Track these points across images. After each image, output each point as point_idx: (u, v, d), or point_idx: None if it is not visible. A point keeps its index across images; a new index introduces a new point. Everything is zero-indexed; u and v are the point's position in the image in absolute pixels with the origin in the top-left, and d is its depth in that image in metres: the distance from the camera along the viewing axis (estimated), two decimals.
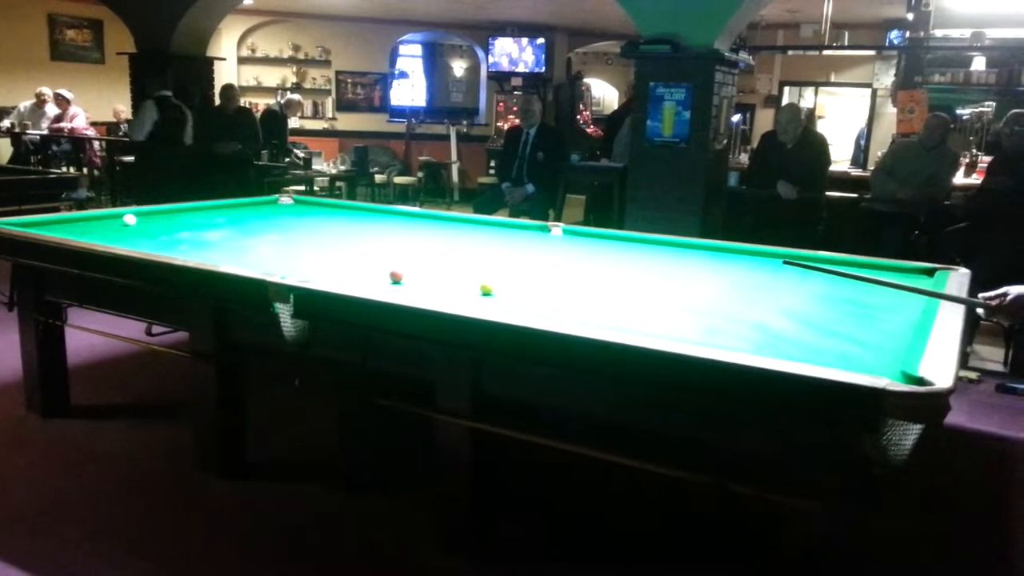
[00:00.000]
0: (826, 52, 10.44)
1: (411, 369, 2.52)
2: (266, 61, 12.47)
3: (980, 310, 2.48)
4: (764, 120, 12.15)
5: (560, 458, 2.32)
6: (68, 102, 9.66)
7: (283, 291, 2.44)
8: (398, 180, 11.48)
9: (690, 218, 5.41)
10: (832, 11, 8.74)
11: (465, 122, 12.78)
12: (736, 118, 8.11)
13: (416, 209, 5.13)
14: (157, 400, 3.74)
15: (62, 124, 9.59)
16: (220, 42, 11.53)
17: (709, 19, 5.25)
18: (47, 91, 9.73)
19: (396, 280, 2.67)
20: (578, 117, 12.84)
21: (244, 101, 9.48)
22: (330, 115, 12.66)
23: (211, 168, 7.12)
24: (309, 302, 2.42)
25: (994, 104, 8.61)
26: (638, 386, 2.09)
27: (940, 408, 1.68)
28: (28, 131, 9.48)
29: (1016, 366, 4.68)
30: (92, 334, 3.52)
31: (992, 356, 4.86)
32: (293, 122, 10.10)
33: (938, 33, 9.04)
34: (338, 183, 9.10)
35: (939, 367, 1.85)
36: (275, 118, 8.59)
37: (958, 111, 8.78)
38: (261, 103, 10.99)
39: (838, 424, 1.85)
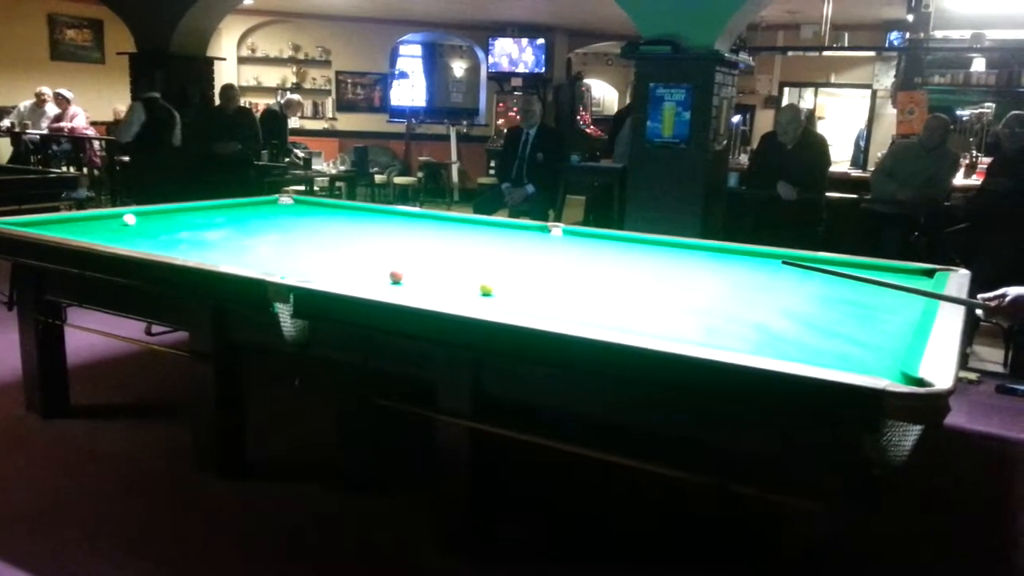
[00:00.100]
0: (826, 53, 10.44)
1: (411, 369, 2.52)
2: (266, 61, 12.47)
3: (979, 311, 2.48)
4: (764, 121, 12.15)
5: (561, 458, 2.32)
6: (68, 102, 9.66)
7: (283, 291, 2.44)
8: (398, 180, 11.48)
9: (690, 219, 5.41)
10: (832, 12, 8.74)
11: (465, 122, 12.78)
12: (736, 119, 8.11)
13: (416, 209, 5.13)
14: (157, 400, 3.74)
15: (62, 124, 9.59)
16: (220, 42, 11.53)
17: (709, 20, 5.25)
18: (47, 91, 9.73)
19: (396, 280, 2.67)
20: (578, 118, 12.84)
21: (244, 101, 9.47)
22: (330, 115, 12.66)
23: (211, 168, 7.12)
24: (309, 302, 2.42)
25: (994, 105, 8.63)
26: (638, 386, 2.09)
27: (940, 409, 1.68)
28: (28, 131, 9.48)
29: (1016, 367, 4.68)
30: (92, 334, 3.52)
31: (992, 357, 4.86)
32: (293, 122, 10.10)
33: (938, 34, 9.05)
34: (338, 183, 9.11)
35: (939, 368, 1.85)
36: (275, 118, 8.59)
37: (958, 112, 8.79)
38: (261, 103, 10.99)
39: (838, 425, 1.85)
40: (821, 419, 1.87)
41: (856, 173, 7.93)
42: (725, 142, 5.94)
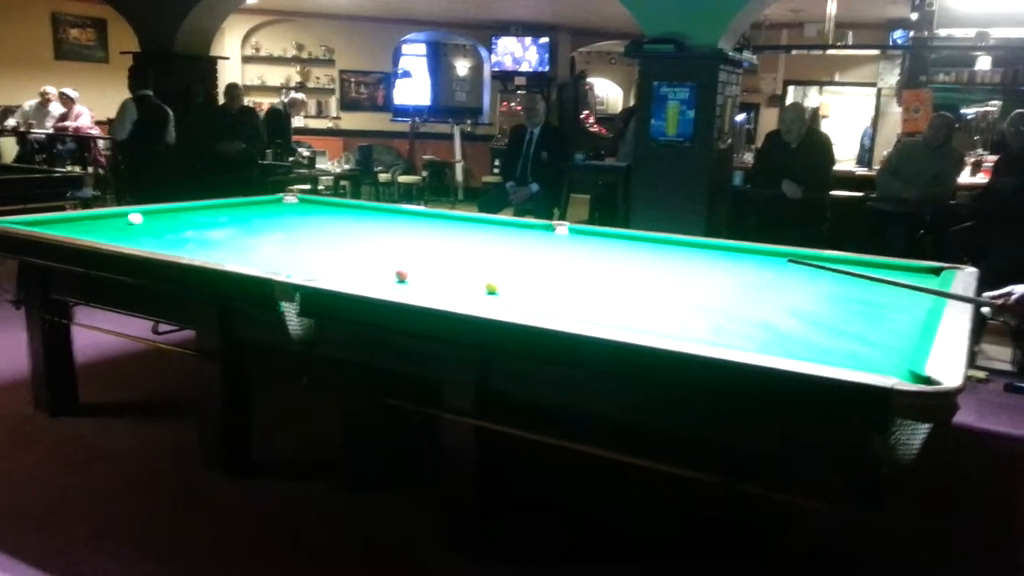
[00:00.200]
0: (830, 52, 10.41)
1: (417, 368, 2.52)
2: (270, 60, 12.48)
3: (986, 309, 2.47)
4: (768, 119, 12.14)
5: (570, 458, 2.31)
6: (73, 101, 9.67)
7: (289, 290, 2.44)
8: (402, 179, 11.49)
9: (694, 217, 5.41)
10: (836, 11, 8.71)
11: (469, 121, 12.78)
12: (740, 117, 8.10)
13: (420, 208, 5.13)
14: (164, 398, 3.74)
15: (67, 123, 9.61)
16: (224, 41, 11.54)
17: (713, 18, 5.24)
18: (51, 90, 9.74)
19: (401, 279, 2.67)
20: (581, 117, 12.83)
21: (248, 100, 9.47)
22: (334, 114, 12.67)
23: (215, 167, 7.13)
24: (315, 301, 2.42)
25: (999, 103, 8.59)
26: (647, 386, 2.08)
27: (948, 407, 1.67)
28: (33, 130, 9.50)
29: None
30: (99, 332, 3.53)
31: (1000, 355, 4.84)
32: (297, 121, 10.11)
33: (942, 32, 9.02)
34: (342, 182, 9.11)
35: (947, 366, 1.84)
36: (279, 117, 8.60)
37: (963, 110, 8.77)
38: (265, 102, 11.00)
39: (846, 424, 1.85)
40: (829, 418, 1.86)
41: (861, 171, 7.90)
42: (729, 141, 5.93)
